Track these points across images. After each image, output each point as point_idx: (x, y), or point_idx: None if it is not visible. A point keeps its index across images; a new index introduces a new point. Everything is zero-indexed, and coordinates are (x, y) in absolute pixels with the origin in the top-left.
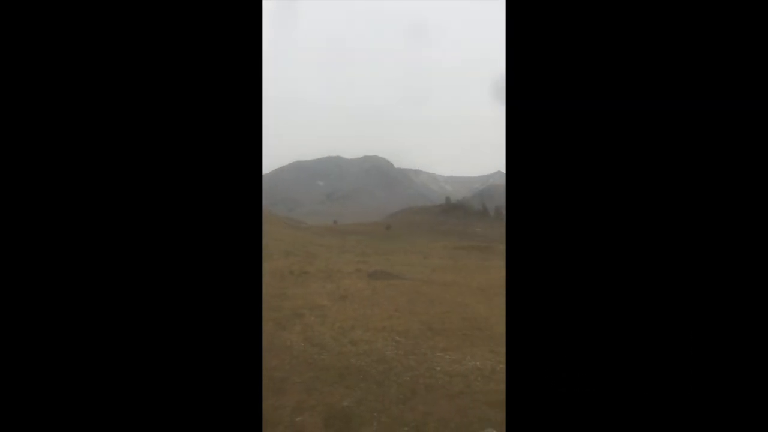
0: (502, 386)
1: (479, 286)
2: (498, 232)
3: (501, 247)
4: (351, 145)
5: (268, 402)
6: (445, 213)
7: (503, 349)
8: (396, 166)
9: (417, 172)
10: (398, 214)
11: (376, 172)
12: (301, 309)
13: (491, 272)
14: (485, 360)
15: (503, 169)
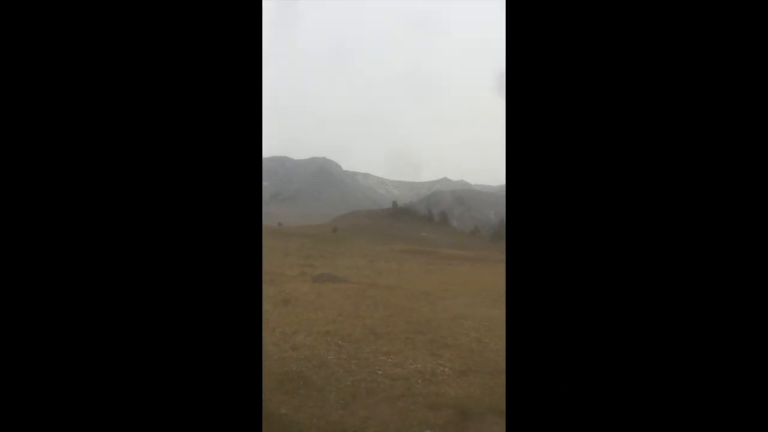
0: (442, 388)
1: (423, 290)
2: (442, 236)
3: (446, 251)
4: (299, 146)
5: None
6: (392, 217)
7: (445, 352)
8: (344, 168)
9: (365, 175)
10: (345, 217)
11: (324, 174)
12: None
13: (435, 276)
14: (426, 363)
15: (450, 176)
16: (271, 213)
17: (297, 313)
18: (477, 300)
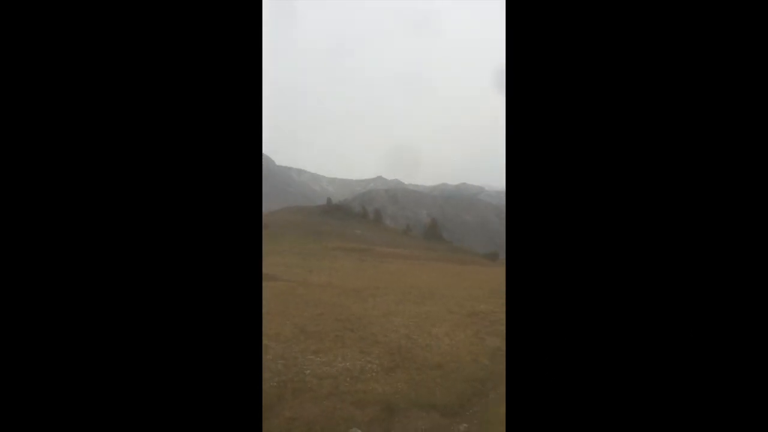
0: (370, 385)
1: (355, 287)
2: (376, 234)
3: (379, 249)
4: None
5: None
6: (326, 214)
7: (374, 349)
8: (277, 163)
9: (299, 171)
10: (277, 213)
11: None
12: None
13: (368, 273)
14: (355, 360)
15: (385, 175)
16: None
17: None
18: (407, 297)
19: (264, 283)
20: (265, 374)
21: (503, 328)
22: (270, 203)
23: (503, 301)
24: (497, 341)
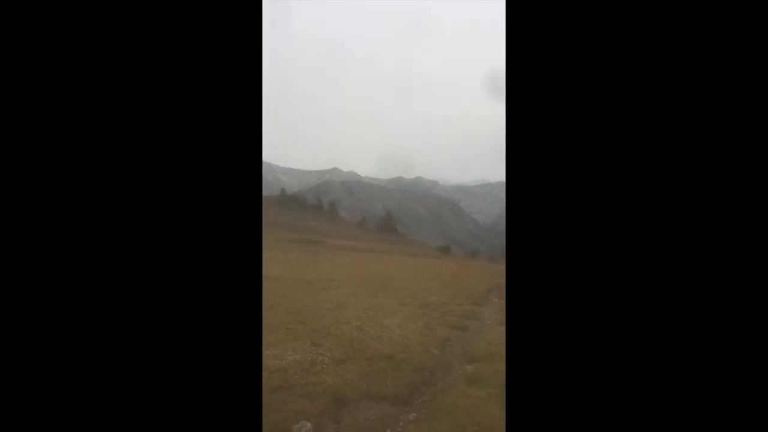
0: (320, 377)
1: (308, 279)
2: (331, 226)
3: (333, 242)
4: None
5: None
6: (280, 205)
7: (325, 341)
8: None
9: None
10: None
11: None
12: None
13: (322, 265)
14: (306, 353)
15: (341, 167)
16: None
17: None
18: (361, 289)
19: None
20: None
21: (453, 319)
22: None
23: (454, 293)
24: (447, 332)
